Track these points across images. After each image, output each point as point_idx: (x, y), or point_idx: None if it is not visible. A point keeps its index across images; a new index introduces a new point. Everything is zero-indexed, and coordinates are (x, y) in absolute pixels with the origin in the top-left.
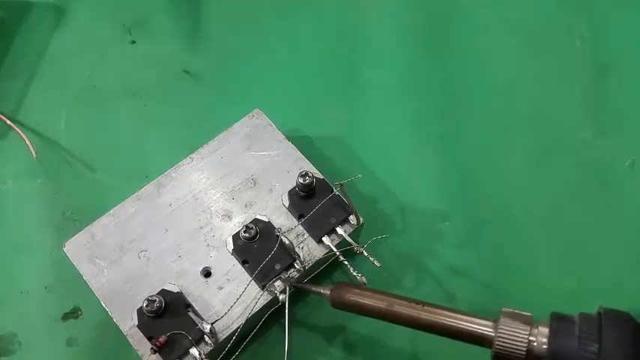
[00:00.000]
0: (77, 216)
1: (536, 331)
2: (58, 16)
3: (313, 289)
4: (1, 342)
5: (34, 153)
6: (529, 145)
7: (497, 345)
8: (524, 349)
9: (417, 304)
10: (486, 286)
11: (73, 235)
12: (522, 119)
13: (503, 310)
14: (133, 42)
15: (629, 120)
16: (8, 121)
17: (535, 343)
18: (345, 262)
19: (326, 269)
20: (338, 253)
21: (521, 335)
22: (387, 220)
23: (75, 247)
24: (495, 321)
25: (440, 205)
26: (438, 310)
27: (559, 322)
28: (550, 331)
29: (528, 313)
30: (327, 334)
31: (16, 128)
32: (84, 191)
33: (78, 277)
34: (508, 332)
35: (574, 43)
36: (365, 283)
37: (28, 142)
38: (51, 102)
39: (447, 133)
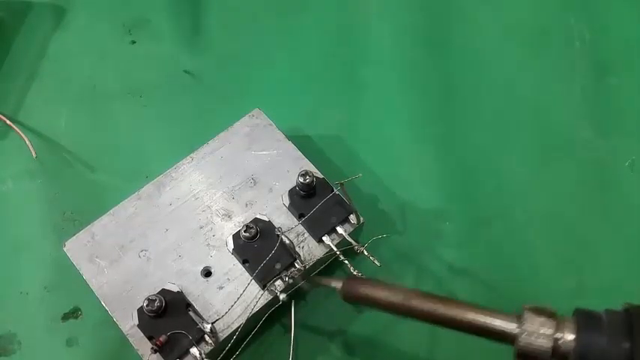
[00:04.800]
0: (77, 216)
1: (562, 326)
2: (58, 16)
3: (324, 282)
4: (1, 342)
5: (34, 153)
6: (529, 145)
7: (522, 342)
8: (551, 345)
9: (435, 298)
10: (486, 286)
11: (74, 235)
12: (522, 119)
13: (526, 305)
14: (133, 42)
15: (629, 120)
16: (8, 121)
17: (561, 340)
18: (346, 262)
19: (326, 269)
20: (338, 253)
21: (547, 332)
22: (388, 219)
23: (75, 247)
24: (519, 317)
25: (440, 205)
26: (457, 305)
27: (586, 318)
28: (577, 327)
29: (552, 309)
30: (328, 334)
31: (16, 128)
32: (84, 191)
33: (78, 277)
34: (533, 328)
35: (574, 43)
36: None
37: (28, 142)
38: (51, 102)
39: (447, 133)
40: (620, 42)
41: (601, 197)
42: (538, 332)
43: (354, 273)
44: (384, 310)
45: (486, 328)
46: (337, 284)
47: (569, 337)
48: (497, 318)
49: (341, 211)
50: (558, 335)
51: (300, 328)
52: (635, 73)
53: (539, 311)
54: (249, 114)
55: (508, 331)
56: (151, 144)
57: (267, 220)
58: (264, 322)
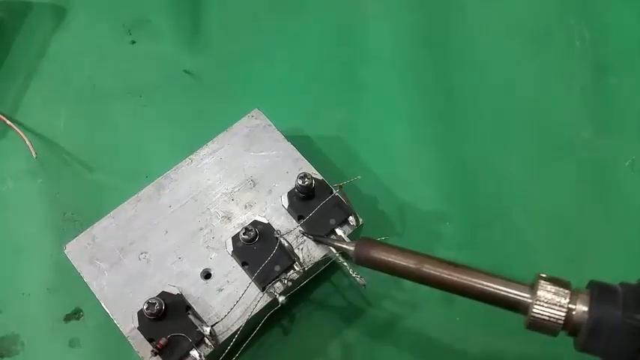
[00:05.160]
0: (78, 216)
1: (575, 297)
2: (58, 16)
3: (336, 243)
4: (4, 343)
5: (34, 153)
6: (529, 145)
7: (535, 311)
8: (564, 315)
9: (449, 264)
10: None
11: (74, 238)
12: (522, 119)
13: (540, 274)
14: (133, 42)
15: (629, 120)
16: (8, 122)
17: (575, 311)
18: (345, 264)
19: (325, 270)
20: (337, 255)
21: (561, 301)
22: (387, 220)
23: (75, 250)
24: (532, 286)
25: (440, 206)
26: (470, 272)
27: (600, 290)
28: (591, 298)
29: (567, 279)
30: (327, 335)
31: (16, 128)
32: (84, 191)
33: (79, 278)
34: (547, 298)
35: (574, 43)
36: (364, 285)
37: (28, 142)
38: (50, 102)
39: (447, 133)
40: (620, 42)
41: (601, 197)
42: (551, 302)
43: (353, 275)
44: (396, 274)
45: (498, 295)
46: (350, 247)
47: (583, 308)
48: (510, 286)
49: (340, 212)
50: (572, 306)
51: (300, 328)
52: (635, 73)
53: (554, 281)
54: (249, 114)
55: (521, 299)
56: (150, 144)
57: (267, 222)
58: (264, 324)
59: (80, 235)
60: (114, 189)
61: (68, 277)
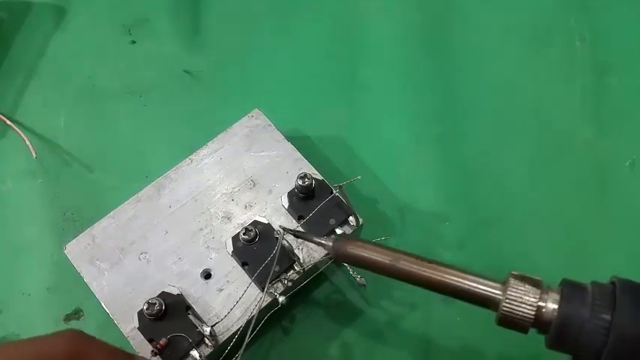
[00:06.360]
0: (78, 217)
1: (546, 296)
2: (58, 16)
3: (315, 239)
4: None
5: (34, 153)
6: (529, 145)
7: (505, 308)
8: (533, 313)
9: (423, 260)
10: None
11: (74, 238)
12: (522, 119)
13: (512, 272)
14: (133, 42)
15: (629, 120)
16: (8, 122)
17: (544, 309)
18: (345, 264)
19: (325, 270)
20: None
21: (530, 299)
22: (387, 220)
23: (75, 250)
24: (504, 283)
25: (440, 206)
26: (443, 269)
27: (570, 289)
28: (561, 296)
29: (538, 277)
30: (327, 335)
31: (16, 128)
32: (84, 191)
33: (79, 278)
34: (517, 295)
35: (574, 43)
36: (364, 285)
37: (28, 142)
38: (51, 102)
39: (447, 133)
40: (620, 42)
41: (601, 197)
42: (521, 300)
43: (353, 275)
44: (372, 270)
45: (471, 292)
46: (328, 242)
47: (552, 306)
48: (482, 283)
49: (340, 212)
50: (541, 304)
51: (300, 328)
52: (635, 73)
53: (525, 279)
54: (249, 114)
55: (492, 296)
56: (150, 144)
57: (267, 222)
58: (264, 324)
59: (80, 235)
60: (114, 189)
61: (68, 277)
